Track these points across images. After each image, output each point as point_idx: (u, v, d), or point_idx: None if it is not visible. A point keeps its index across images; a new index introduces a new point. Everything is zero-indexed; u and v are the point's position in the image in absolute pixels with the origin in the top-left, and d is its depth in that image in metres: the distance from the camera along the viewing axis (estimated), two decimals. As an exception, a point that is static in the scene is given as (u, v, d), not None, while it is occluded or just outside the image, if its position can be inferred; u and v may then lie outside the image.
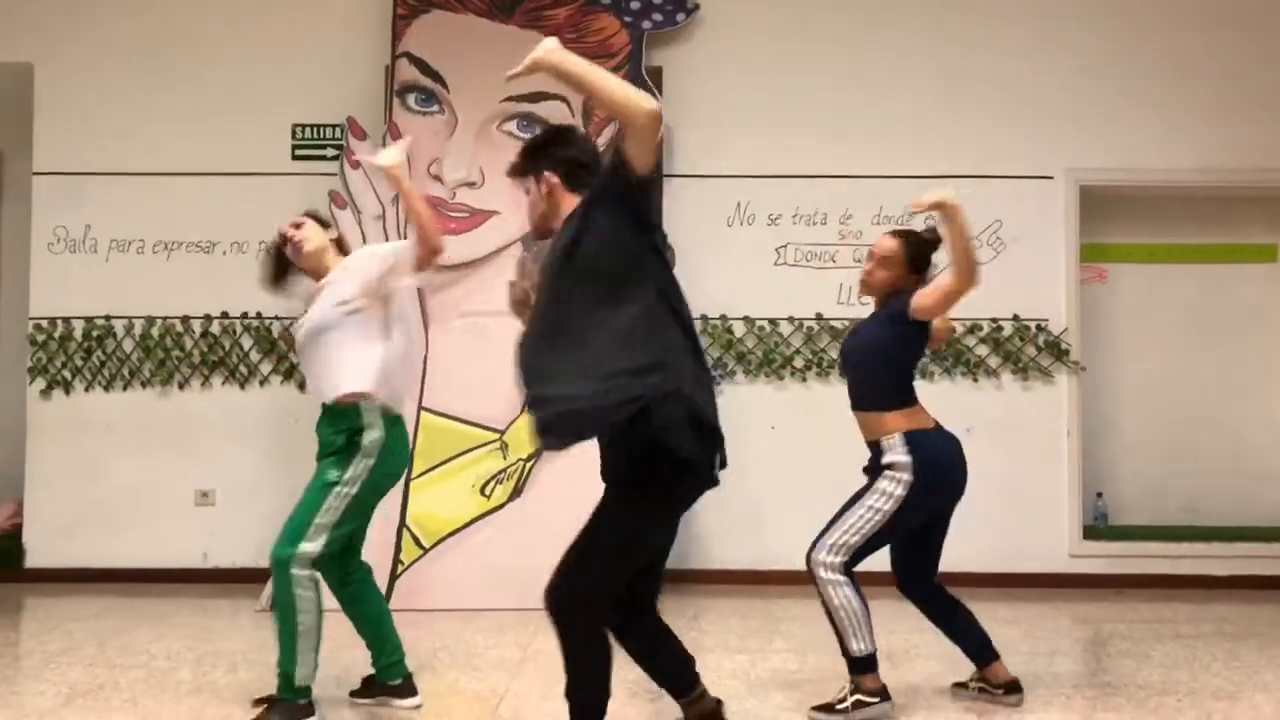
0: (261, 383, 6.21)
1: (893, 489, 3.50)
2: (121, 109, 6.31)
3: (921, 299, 3.52)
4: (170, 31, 6.34)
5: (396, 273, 3.50)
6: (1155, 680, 4.05)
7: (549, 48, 2.69)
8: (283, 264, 3.70)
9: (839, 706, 3.48)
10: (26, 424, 6.25)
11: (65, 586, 5.94)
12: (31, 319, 6.26)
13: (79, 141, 6.31)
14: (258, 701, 3.55)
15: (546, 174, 2.92)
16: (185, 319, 6.21)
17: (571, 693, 2.77)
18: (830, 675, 3.89)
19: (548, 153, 2.95)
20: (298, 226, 3.63)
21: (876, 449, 3.60)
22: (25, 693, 3.51)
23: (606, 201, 2.69)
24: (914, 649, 4.47)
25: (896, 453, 3.51)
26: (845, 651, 3.53)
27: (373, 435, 3.43)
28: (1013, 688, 3.69)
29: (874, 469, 3.60)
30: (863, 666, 3.52)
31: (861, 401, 3.65)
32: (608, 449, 2.77)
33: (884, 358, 3.62)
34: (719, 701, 3.04)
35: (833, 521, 3.59)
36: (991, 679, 3.71)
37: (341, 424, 3.45)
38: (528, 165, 2.97)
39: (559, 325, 2.65)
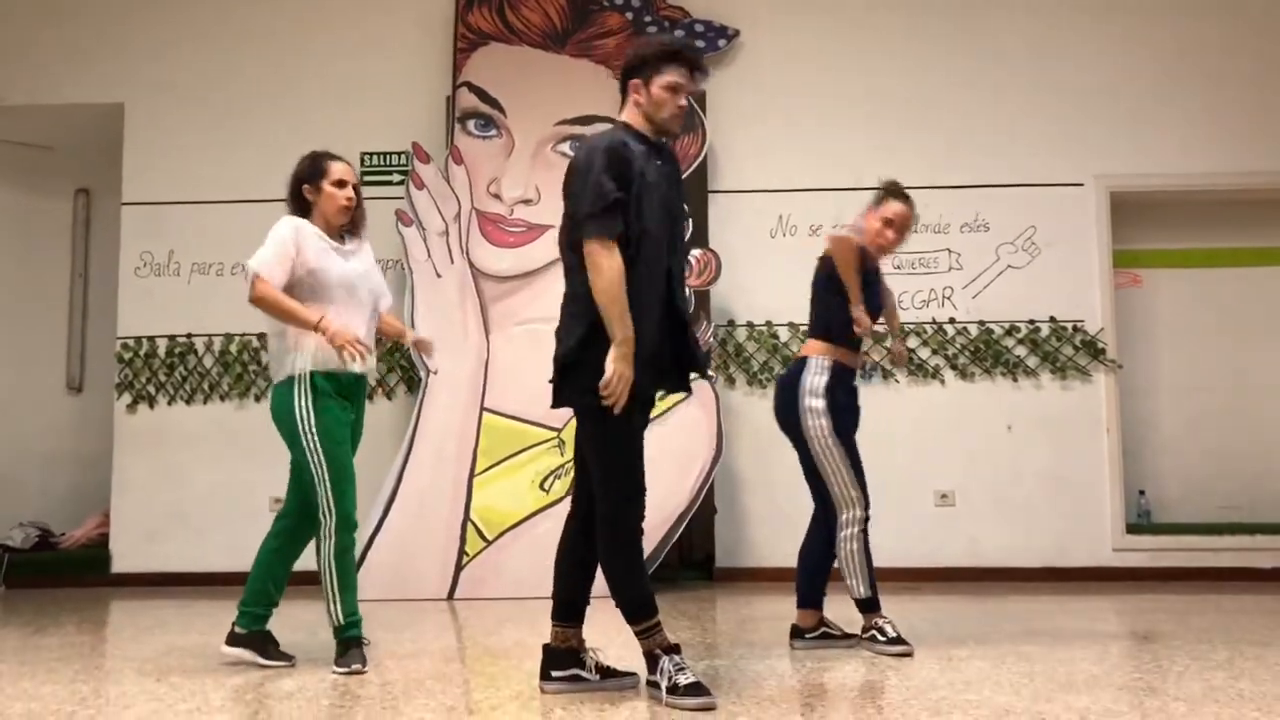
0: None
1: None
2: (202, 142, 6.78)
3: None
4: (248, 70, 6.82)
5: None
6: (1209, 674, 4.14)
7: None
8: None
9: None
10: (114, 437, 6.65)
11: (149, 590, 6.29)
12: (119, 338, 6.69)
13: (163, 173, 6.78)
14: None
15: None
16: (261, 335, 6.60)
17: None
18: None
19: None
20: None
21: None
22: (113, 689, 3.80)
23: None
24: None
25: None
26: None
27: None
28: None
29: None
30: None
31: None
32: None
33: None
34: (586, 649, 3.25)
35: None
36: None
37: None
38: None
39: None
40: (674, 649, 3.08)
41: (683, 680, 2.99)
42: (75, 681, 3.52)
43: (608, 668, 3.27)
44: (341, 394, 3.70)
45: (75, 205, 7.55)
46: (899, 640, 3.84)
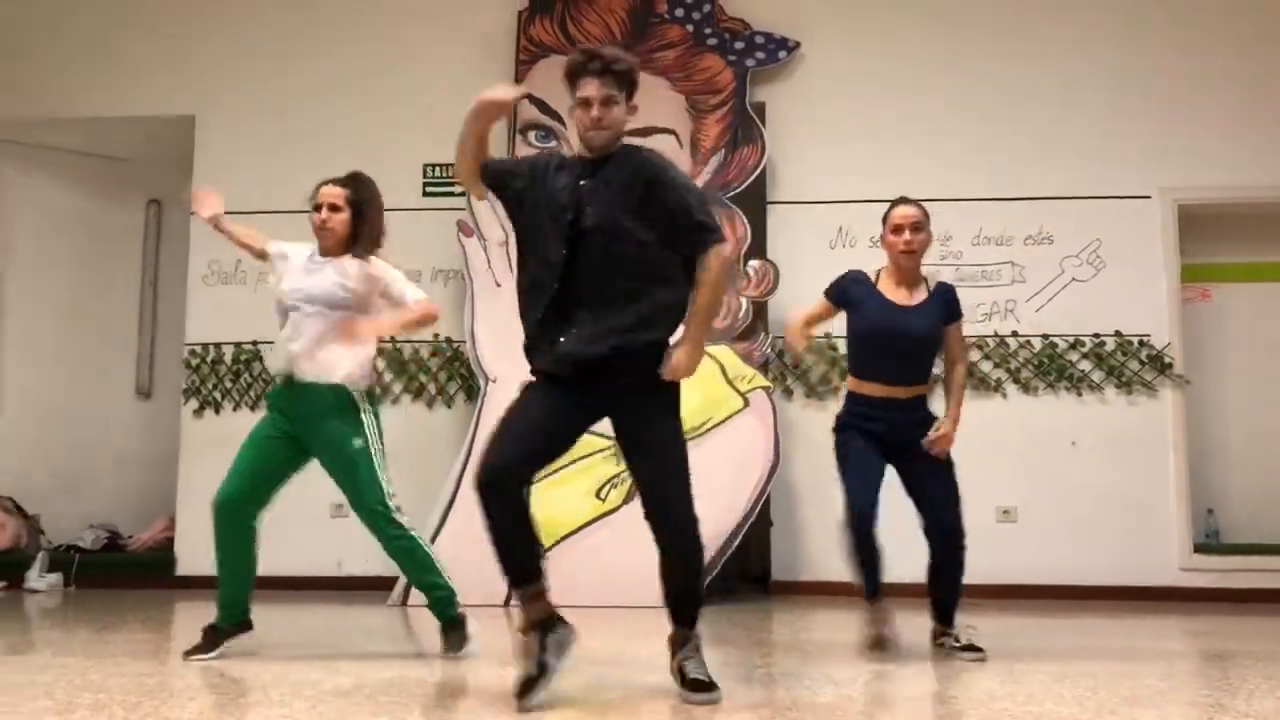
0: (393, 401, 6.64)
1: None
2: (270, 154, 6.91)
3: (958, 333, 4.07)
4: (314, 83, 6.95)
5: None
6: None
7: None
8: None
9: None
10: (181, 442, 6.79)
11: (210, 592, 6.37)
12: (187, 345, 6.84)
13: (232, 184, 6.85)
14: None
15: (634, 104, 3.20)
16: (324, 343, 6.70)
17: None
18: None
19: (634, 88, 3.19)
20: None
21: (916, 409, 3.96)
22: (176, 686, 3.89)
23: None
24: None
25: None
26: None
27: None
28: None
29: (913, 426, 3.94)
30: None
31: (917, 377, 4.00)
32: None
33: (937, 347, 4.07)
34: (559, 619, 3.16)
35: (956, 493, 3.93)
36: None
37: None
38: (630, 84, 3.16)
39: None
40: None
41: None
42: (141, 675, 3.59)
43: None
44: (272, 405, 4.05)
45: (147, 215, 7.74)
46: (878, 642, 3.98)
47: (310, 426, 3.94)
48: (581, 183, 3.15)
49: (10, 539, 6.89)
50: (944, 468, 3.94)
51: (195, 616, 5.62)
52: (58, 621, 5.60)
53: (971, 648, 3.91)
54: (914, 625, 4.08)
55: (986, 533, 6.12)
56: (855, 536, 3.89)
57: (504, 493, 3.08)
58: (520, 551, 3.14)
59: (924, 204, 4.12)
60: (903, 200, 4.08)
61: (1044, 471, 6.21)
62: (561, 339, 3.13)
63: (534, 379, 3.24)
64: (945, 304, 4.02)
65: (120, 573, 6.73)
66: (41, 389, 7.33)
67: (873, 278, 4.07)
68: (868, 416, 3.96)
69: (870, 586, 3.96)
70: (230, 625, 3.95)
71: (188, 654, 3.87)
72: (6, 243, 7.37)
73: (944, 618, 4.03)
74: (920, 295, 4.01)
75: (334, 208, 4.02)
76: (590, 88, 3.10)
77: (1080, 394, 6.28)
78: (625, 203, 3.10)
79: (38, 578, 6.61)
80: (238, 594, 3.97)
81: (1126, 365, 6.25)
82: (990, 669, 3.71)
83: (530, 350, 3.23)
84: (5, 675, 3.58)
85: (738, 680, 3.48)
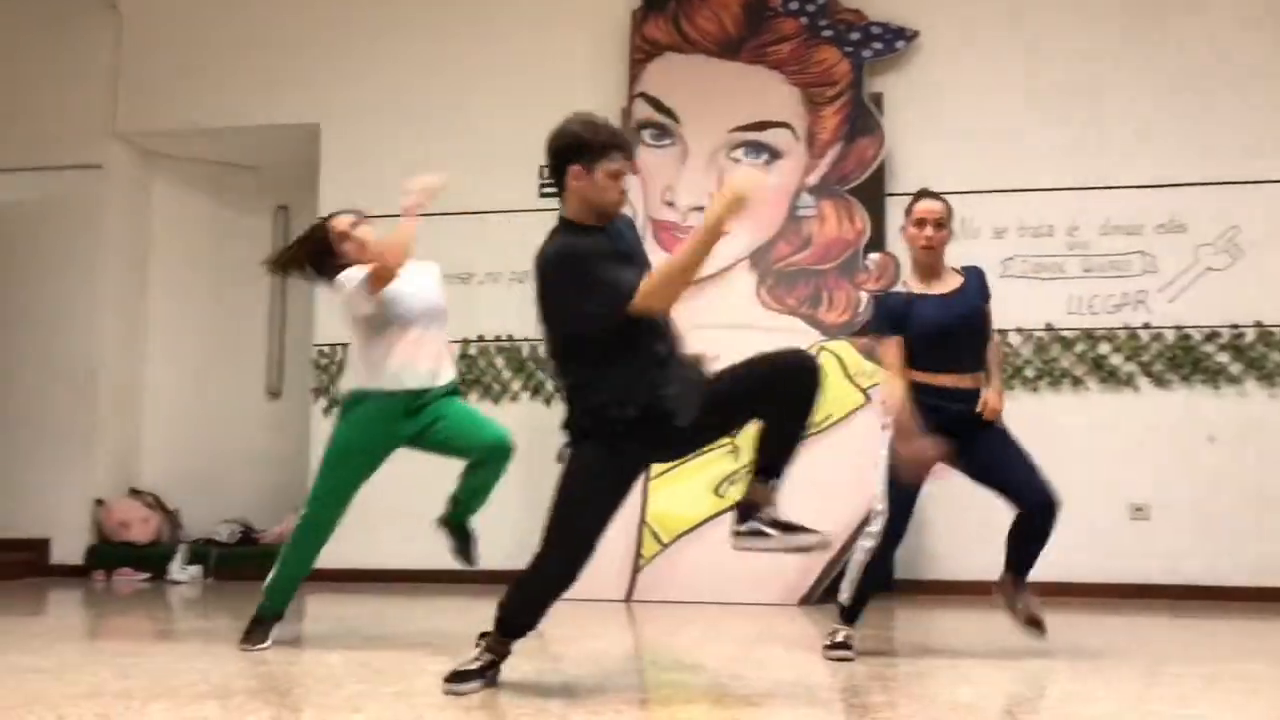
0: (513, 399, 6.74)
1: None
2: (391, 159, 7.03)
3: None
4: (431, 90, 7.08)
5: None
6: None
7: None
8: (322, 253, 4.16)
9: None
10: (310, 440, 7.00)
11: (334, 585, 6.56)
12: (316, 345, 7.06)
13: (356, 189, 7.03)
14: None
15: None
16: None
17: None
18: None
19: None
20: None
21: (969, 397, 3.86)
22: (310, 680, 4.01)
23: None
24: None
25: None
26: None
27: None
28: None
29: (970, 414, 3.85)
30: None
31: (971, 364, 3.92)
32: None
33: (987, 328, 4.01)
34: None
35: (1032, 459, 3.86)
36: None
37: None
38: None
39: None
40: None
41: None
42: (286, 664, 3.72)
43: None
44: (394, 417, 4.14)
45: (275, 221, 8.02)
46: (841, 646, 3.81)
47: (439, 411, 4.06)
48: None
49: (153, 533, 7.22)
50: (1011, 438, 3.89)
51: (325, 607, 5.85)
52: (200, 612, 5.85)
53: (1035, 622, 3.86)
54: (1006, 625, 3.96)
55: (1117, 531, 5.99)
56: (885, 556, 3.90)
57: None
58: (539, 619, 3.26)
59: (946, 198, 4.02)
60: (926, 193, 4.01)
61: (1178, 468, 5.98)
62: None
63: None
64: (980, 285, 4.01)
65: (254, 565, 6.94)
66: (180, 391, 7.66)
67: (904, 288, 4.01)
68: (936, 408, 3.85)
69: (862, 604, 3.92)
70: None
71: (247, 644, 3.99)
72: (150, 251, 7.72)
73: (1021, 569, 3.90)
74: (956, 281, 3.98)
75: (345, 234, 4.19)
76: (626, 165, 3.19)
77: (1217, 387, 6.03)
78: None
79: (179, 569, 6.91)
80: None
81: (1269, 357, 5.98)
82: (1135, 671, 3.59)
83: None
84: (161, 663, 3.74)
85: (870, 679, 3.44)
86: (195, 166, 7.83)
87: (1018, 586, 3.90)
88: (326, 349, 7.02)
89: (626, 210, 6.37)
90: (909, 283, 4.02)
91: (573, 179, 3.17)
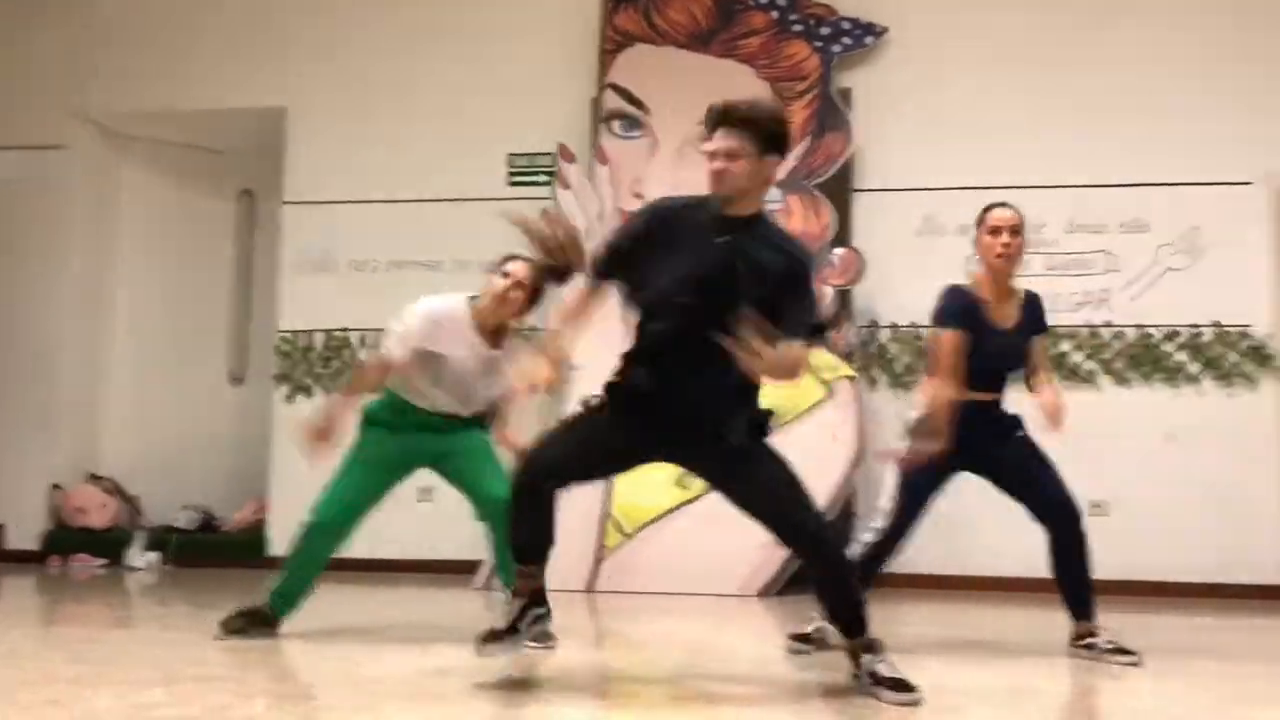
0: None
1: None
2: (358, 144, 7.03)
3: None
4: (400, 75, 7.01)
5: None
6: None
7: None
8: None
9: None
10: (272, 426, 6.95)
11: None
12: (279, 332, 7.00)
13: (322, 174, 7.07)
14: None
15: (773, 159, 2.96)
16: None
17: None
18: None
19: (779, 143, 2.97)
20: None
21: (999, 414, 3.86)
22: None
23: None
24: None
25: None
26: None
27: None
28: None
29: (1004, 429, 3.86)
30: None
31: (1003, 385, 3.90)
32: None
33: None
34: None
35: (1057, 471, 3.85)
36: None
37: None
38: (768, 142, 2.92)
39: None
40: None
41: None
42: (242, 650, 3.70)
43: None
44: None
45: (239, 205, 7.94)
46: (804, 639, 3.79)
47: (463, 444, 4.00)
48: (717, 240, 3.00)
49: (111, 519, 7.14)
50: (1037, 449, 3.85)
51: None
52: (158, 598, 5.80)
53: (1122, 650, 3.64)
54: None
55: (1077, 526, 6.04)
56: (880, 555, 3.89)
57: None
58: (531, 535, 3.16)
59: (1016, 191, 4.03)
60: (1001, 203, 3.93)
61: (1137, 466, 6.04)
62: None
63: None
64: (1035, 319, 3.92)
65: (214, 553, 6.93)
66: (141, 375, 7.57)
67: (973, 295, 3.87)
68: (967, 422, 3.77)
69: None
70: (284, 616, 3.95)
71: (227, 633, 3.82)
72: (114, 233, 7.62)
73: (1083, 612, 3.77)
74: (1015, 310, 3.87)
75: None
76: (708, 139, 2.95)
77: (1176, 386, 6.12)
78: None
79: (138, 556, 6.84)
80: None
81: (1225, 357, 6.07)
82: (1079, 665, 3.63)
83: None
84: (115, 647, 3.71)
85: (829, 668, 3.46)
86: (160, 149, 7.73)
87: (1093, 633, 3.74)
88: (290, 335, 6.97)
89: (601, 199, 6.42)
90: (976, 287, 3.87)
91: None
